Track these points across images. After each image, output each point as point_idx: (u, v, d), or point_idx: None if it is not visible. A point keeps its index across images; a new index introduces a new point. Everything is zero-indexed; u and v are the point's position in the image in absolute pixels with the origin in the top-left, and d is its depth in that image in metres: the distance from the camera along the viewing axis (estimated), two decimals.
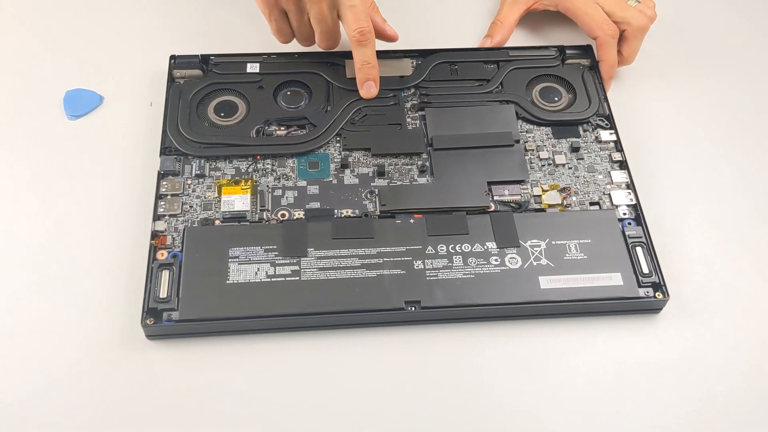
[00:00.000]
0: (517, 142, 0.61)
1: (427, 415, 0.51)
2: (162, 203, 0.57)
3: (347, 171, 0.60)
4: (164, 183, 0.58)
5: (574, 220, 0.57)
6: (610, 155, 0.61)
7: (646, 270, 0.55)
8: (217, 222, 0.56)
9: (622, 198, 0.59)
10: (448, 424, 0.50)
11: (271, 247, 0.54)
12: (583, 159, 0.61)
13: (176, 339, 0.52)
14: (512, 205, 0.58)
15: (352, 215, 0.57)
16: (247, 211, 0.57)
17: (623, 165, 0.61)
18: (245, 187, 0.58)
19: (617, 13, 0.65)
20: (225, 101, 0.62)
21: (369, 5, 0.61)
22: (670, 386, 0.52)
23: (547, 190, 0.59)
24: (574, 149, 0.62)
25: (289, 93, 0.63)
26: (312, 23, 0.60)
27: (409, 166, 0.60)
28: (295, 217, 0.57)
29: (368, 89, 0.62)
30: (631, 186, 0.59)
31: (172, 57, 0.64)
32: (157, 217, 0.56)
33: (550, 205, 0.58)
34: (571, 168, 0.61)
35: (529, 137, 0.62)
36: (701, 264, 0.58)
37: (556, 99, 0.64)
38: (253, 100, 0.62)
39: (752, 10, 0.74)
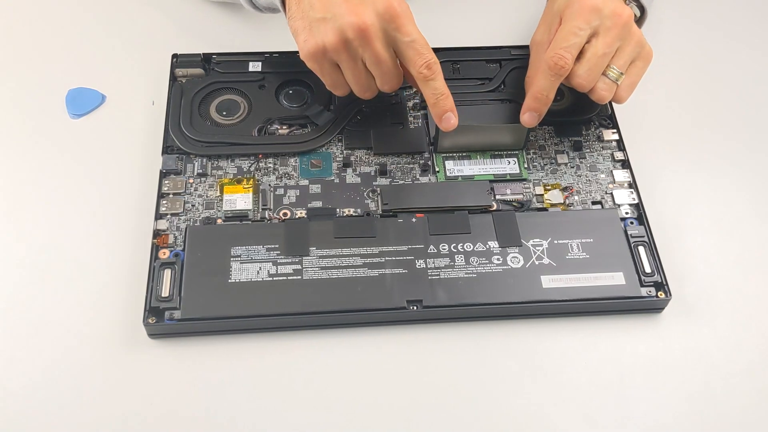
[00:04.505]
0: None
1: (429, 414, 0.51)
2: (164, 202, 0.57)
3: (349, 170, 0.60)
4: (166, 182, 0.58)
5: (576, 220, 0.57)
6: (612, 154, 0.61)
7: (648, 269, 0.55)
8: (219, 221, 0.56)
9: (624, 197, 0.59)
10: (451, 424, 0.50)
11: (273, 246, 0.54)
12: (585, 158, 0.61)
13: (178, 338, 0.53)
14: (514, 204, 0.58)
15: (354, 214, 0.57)
16: (249, 210, 0.57)
17: (625, 164, 0.61)
18: (247, 186, 0.58)
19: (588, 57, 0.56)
20: (227, 100, 0.62)
21: (423, 35, 0.54)
22: (672, 386, 0.52)
23: (549, 189, 0.59)
24: (577, 148, 0.62)
25: (290, 92, 0.63)
26: (369, 68, 0.55)
27: (411, 165, 0.60)
28: (297, 216, 0.57)
29: (447, 121, 0.56)
30: (633, 185, 0.59)
31: (174, 56, 0.64)
32: (159, 216, 0.56)
33: (552, 205, 0.58)
34: (573, 167, 0.61)
35: (531, 137, 0.62)
36: (703, 263, 0.58)
37: (558, 98, 0.64)
38: (255, 99, 0.62)
39: (753, 7, 0.74)
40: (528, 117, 0.58)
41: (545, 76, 0.56)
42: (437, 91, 0.55)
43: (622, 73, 0.57)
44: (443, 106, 0.55)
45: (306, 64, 0.56)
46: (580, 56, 0.56)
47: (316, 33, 0.53)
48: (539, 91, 0.57)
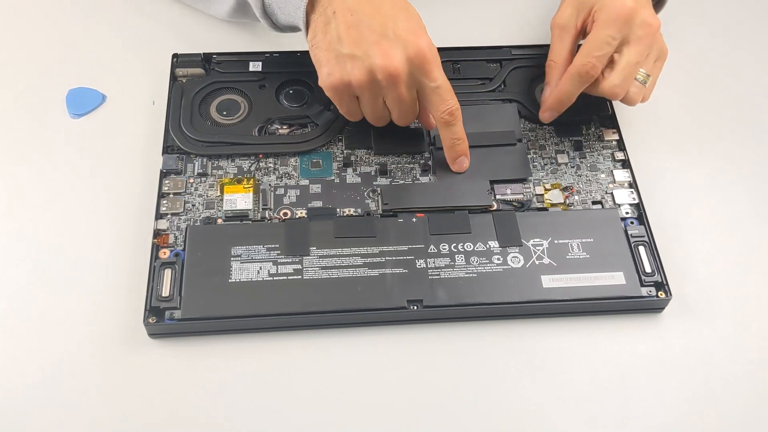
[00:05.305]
0: (520, 140, 0.61)
1: (429, 414, 0.51)
2: (164, 202, 0.57)
3: (349, 170, 0.60)
4: (166, 182, 0.58)
5: (576, 219, 0.57)
6: (612, 154, 0.61)
7: (648, 269, 0.55)
8: (219, 221, 0.56)
9: (624, 197, 0.59)
10: (451, 424, 0.50)
11: (273, 245, 0.54)
12: (585, 158, 0.61)
13: (178, 338, 0.53)
14: (514, 204, 0.58)
15: (354, 214, 0.57)
16: (250, 209, 0.57)
17: (626, 164, 0.61)
18: (247, 185, 0.58)
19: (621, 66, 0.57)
20: (227, 100, 0.62)
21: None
22: (672, 385, 0.52)
23: (549, 189, 0.59)
24: (577, 148, 0.62)
25: (291, 92, 0.63)
26: (389, 106, 0.56)
27: (412, 165, 0.60)
28: (297, 216, 0.57)
29: (460, 165, 0.58)
30: (633, 185, 0.59)
31: (175, 56, 0.64)
32: (159, 216, 0.56)
33: (553, 204, 0.58)
34: (573, 167, 0.61)
35: (532, 136, 0.62)
36: (704, 263, 0.58)
37: None
38: (256, 99, 0.62)
39: (753, 7, 0.74)
40: (549, 115, 0.60)
41: (573, 81, 0.57)
42: (455, 136, 0.56)
43: (648, 75, 0.58)
44: (459, 151, 0.57)
45: (325, 92, 0.56)
46: (612, 65, 0.57)
47: (343, 68, 0.53)
48: (564, 94, 0.58)
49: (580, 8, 0.59)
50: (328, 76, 0.54)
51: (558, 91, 0.58)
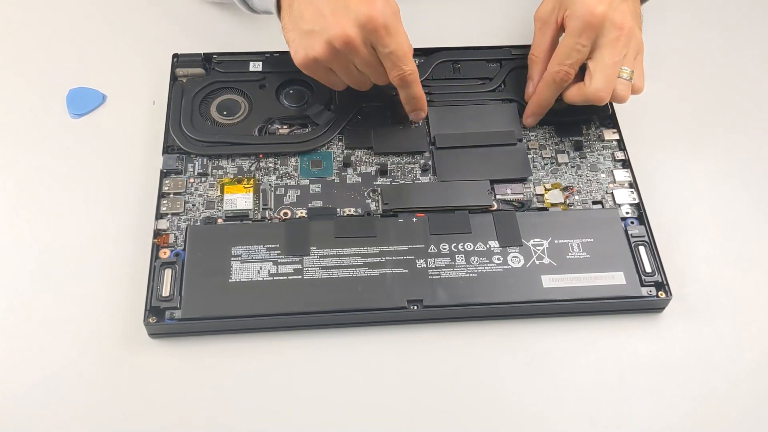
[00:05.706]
0: (520, 140, 0.61)
1: (429, 414, 0.51)
2: (164, 202, 0.57)
3: (350, 170, 0.60)
4: (167, 181, 0.58)
5: (576, 219, 0.57)
6: (612, 154, 0.61)
7: (648, 269, 0.55)
8: (219, 221, 0.56)
9: (624, 197, 0.59)
10: (451, 424, 0.50)
11: (273, 245, 0.54)
12: (585, 158, 0.61)
13: (179, 337, 0.53)
14: (515, 203, 0.58)
15: (354, 214, 0.57)
16: (250, 209, 0.57)
17: (626, 164, 0.61)
18: (248, 185, 0.58)
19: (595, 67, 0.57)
20: (227, 100, 0.62)
21: (406, 43, 0.55)
22: (672, 385, 0.52)
23: (549, 189, 0.59)
24: (577, 148, 0.62)
25: (291, 91, 0.63)
26: (361, 69, 0.57)
27: (412, 165, 0.60)
28: (297, 216, 0.57)
29: (416, 116, 0.61)
30: (633, 185, 0.59)
31: (175, 55, 0.64)
32: (159, 216, 0.56)
33: (553, 204, 0.58)
34: (573, 167, 0.61)
35: (532, 136, 0.62)
36: (704, 263, 0.58)
37: (559, 97, 0.64)
38: (256, 99, 0.62)
39: (753, 6, 0.74)
40: (532, 120, 0.62)
41: (549, 87, 0.59)
42: (411, 96, 0.58)
43: (632, 71, 0.58)
44: (415, 107, 0.59)
45: (302, 70, 0.57)
46: (591, 72, 0.57)
47: (306, 45, 0.55)
48: (543, 99, 0.60)
49: (559, 5, 0.59)
50: (295, 54, 0.56)
51: (537, 97, 0.61)
